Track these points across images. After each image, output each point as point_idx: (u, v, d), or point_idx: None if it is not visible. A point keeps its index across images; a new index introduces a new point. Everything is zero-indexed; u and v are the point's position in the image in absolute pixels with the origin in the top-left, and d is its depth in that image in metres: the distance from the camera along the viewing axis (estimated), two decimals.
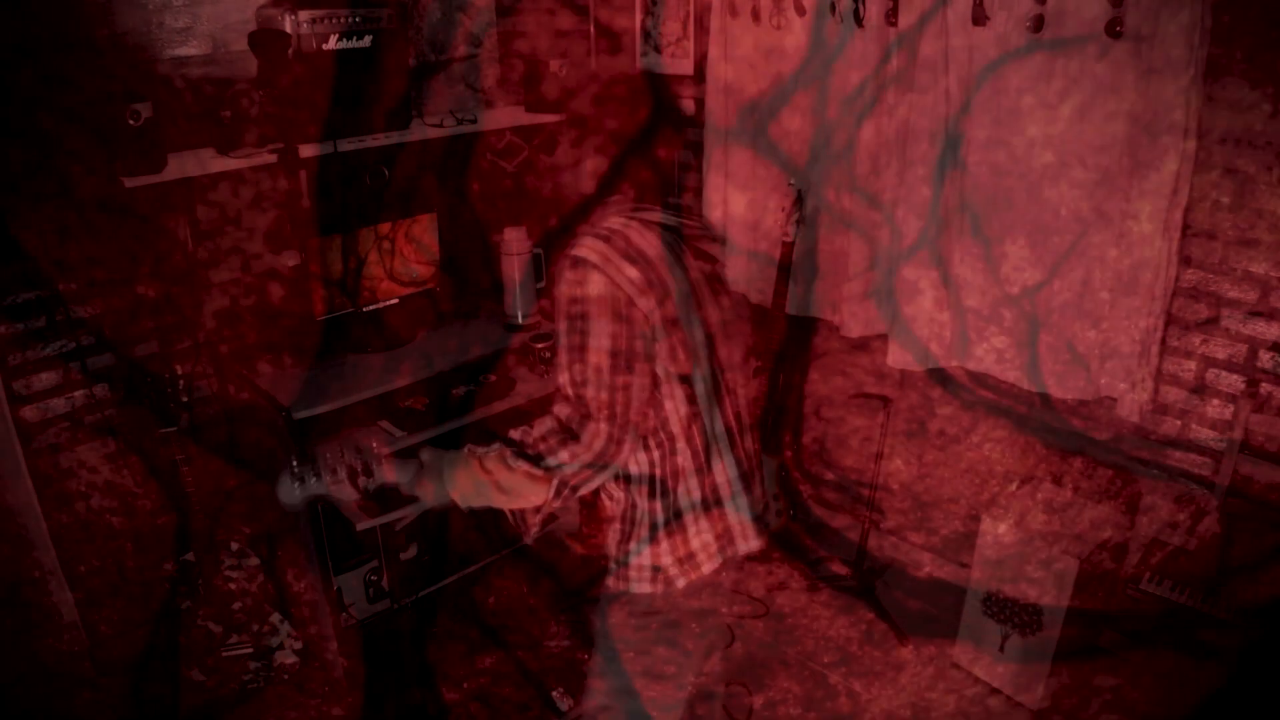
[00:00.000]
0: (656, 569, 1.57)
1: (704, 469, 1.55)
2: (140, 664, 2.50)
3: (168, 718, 2.42)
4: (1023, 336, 2.50)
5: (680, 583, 1.57)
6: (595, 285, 1.42)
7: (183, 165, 2.32)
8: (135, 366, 2.46)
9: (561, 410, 1.47)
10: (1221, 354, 2.20)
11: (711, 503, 1.56)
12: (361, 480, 1.40)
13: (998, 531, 2.41)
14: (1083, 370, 2.40)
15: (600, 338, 1.42)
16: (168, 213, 2.43)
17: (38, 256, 2.26)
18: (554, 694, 2.53)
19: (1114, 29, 2.10)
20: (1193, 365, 2.25)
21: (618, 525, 1.60)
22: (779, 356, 2.98)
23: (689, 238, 1.58)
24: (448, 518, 2.78)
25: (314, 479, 1.37)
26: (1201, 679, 2.15)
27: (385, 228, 2.70)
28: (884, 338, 2.80)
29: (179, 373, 2.40)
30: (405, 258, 2.78)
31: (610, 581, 1.63)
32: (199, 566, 2.57)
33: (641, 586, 1.58)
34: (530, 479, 1.48)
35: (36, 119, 2.18)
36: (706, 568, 1.58)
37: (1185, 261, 2.19)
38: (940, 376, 2.77)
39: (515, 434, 1.52)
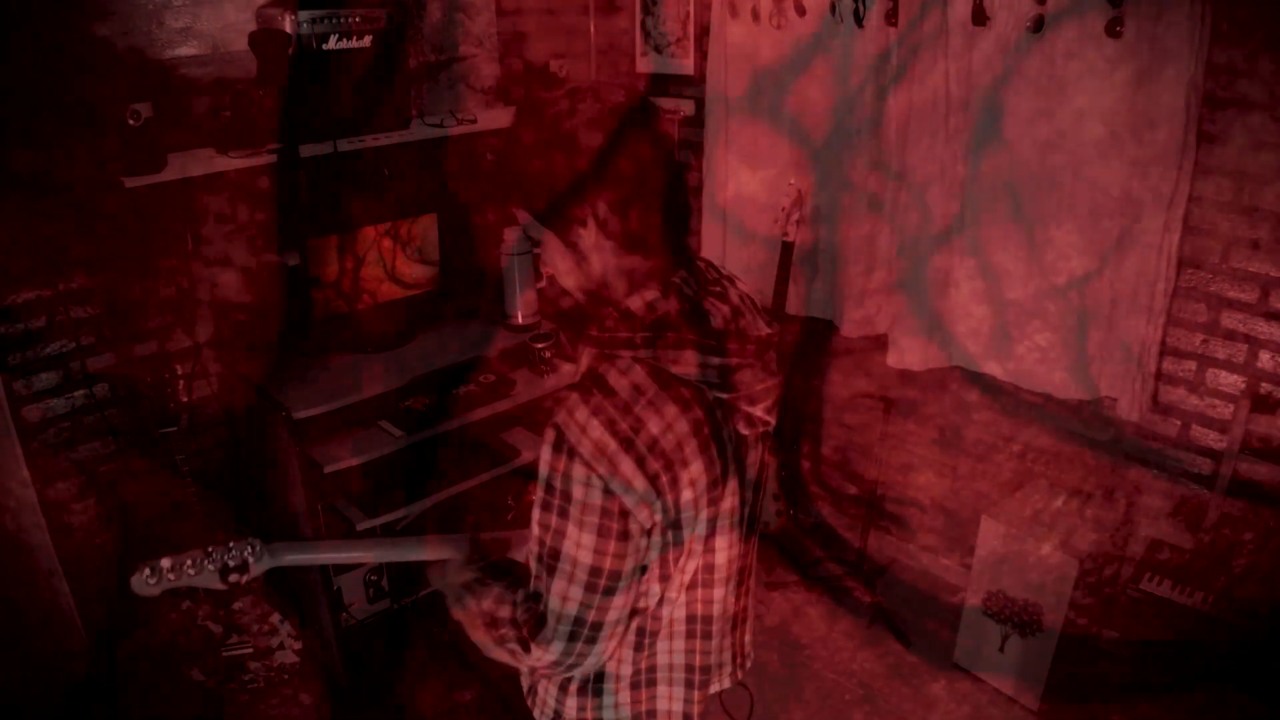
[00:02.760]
0: None
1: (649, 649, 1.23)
2: (140, 664, 2.50)
3: (168, 718, 2.42)
4: (1018, 336, 2.51)
5: None
6: (579, 487, 1.03)
7: (183, 165, 2.32)
8: (135, 366, 2.46)
9: (519, 612, 1.14)
10: (1221, 354, 2.20)
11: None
12: (233, 576, 1.33)
13: (997, 531, 2.41)
14: (1082, 369, 2.40)
15: (578, 550, 1.06)
16: (168, 212, 2.43)
17: (37, 256, 2.26)
18: None
19: (1114, 29, 2.10)
20: (1193, 365, 2.25)
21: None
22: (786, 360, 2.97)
23: (738, 396, 1.12)
24: (447, 521, 2.77)
25: (171, 574, 1.30)
26: (1206, 680, 2.15)
27: (385, 227, 2.70)
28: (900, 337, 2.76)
29: (179, 373, 2.39)
30: (405, 258, 2.78)
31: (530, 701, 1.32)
32: None
33: None
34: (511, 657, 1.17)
35: (36, 118, 2.18)
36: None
37: (1185, 262, 2.19)
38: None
39: (506, 602, 1.16)
